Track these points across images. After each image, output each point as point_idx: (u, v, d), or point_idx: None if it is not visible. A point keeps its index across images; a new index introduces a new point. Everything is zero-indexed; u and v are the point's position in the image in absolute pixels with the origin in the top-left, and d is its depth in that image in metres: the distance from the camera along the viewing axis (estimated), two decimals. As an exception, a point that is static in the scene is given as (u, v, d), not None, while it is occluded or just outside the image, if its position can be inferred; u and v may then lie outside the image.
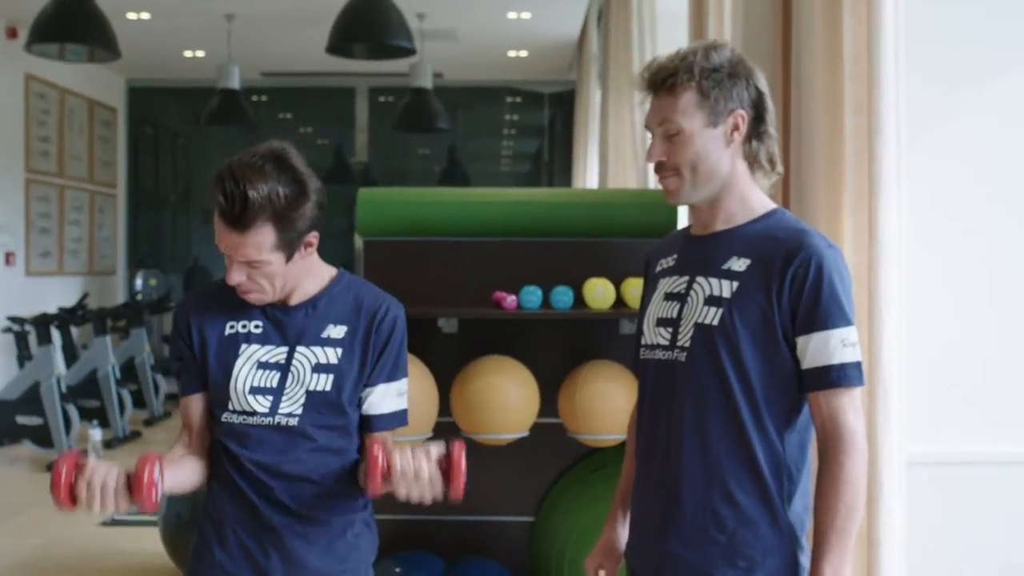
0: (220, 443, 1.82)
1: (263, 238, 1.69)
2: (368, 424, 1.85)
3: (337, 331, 1.82)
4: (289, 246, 1.73)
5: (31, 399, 6.61)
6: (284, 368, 1.80)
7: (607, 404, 2.88)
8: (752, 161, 1.74)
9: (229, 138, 9.86)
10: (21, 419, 6.64)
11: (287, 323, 1.82)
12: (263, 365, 1.80)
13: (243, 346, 1.81)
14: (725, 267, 1.70)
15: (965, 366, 2.44)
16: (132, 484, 1.63)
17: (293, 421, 1.78)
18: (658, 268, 1.86)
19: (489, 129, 11.82)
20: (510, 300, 2.99)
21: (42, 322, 7.13)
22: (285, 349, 1.80)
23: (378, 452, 1.65)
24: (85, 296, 8.47)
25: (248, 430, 1.79)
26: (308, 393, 1.78)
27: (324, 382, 1.79)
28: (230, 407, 1.79)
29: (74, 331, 8.21)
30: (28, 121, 8.50)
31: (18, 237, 8.39)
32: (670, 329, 1.74)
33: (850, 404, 1.63)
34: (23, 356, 7.39)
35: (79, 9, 5.92)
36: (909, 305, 2.17)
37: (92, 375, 7.32)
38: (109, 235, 10.21)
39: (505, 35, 8.66)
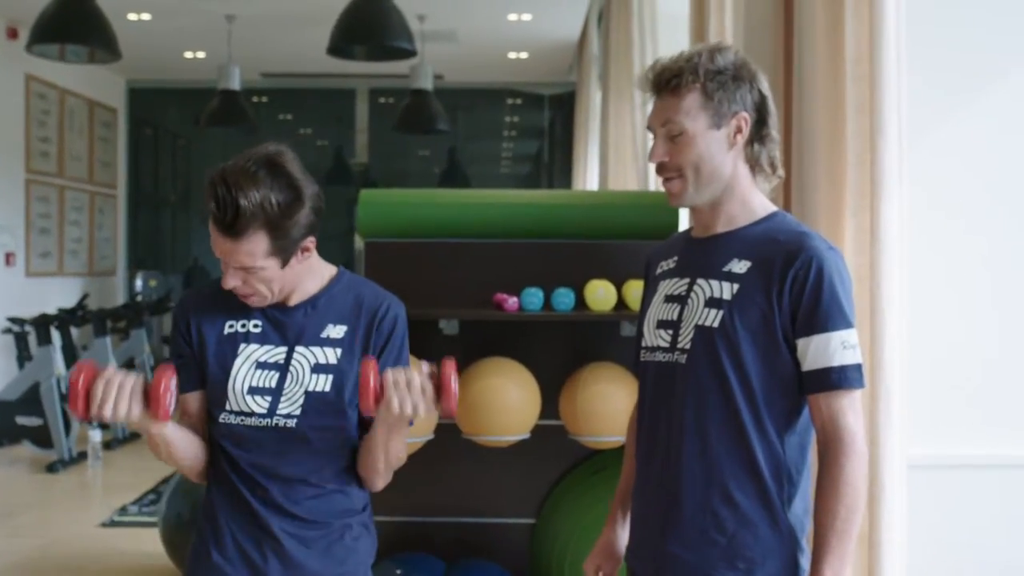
0: (218, 445, 1.81)
1: (256, 245, 1.67)
2: (368, 425, 1.84)
3: (337, 331, 1.80)
4: (284, 252, 1.71)
5: (31, 400, 6.61)
6: (283, 368, 1.78)
7: (608, 406, 2.88)
8: (754, 164, 1.74)
9: (229, 139, 9.86)
10: (21, 420, 6.64)
11: (286, 323, 1.80)
12: (262, 365, 1.78)
13: (242, 345, 1.80)
14: (726, 269, 1.71)
15: (966, 368, 2.44)
16: (148, 394, 1.64)
17: (291, 423, 1.77)
18: (658, 270, 1.86)
19: (489, 130, 11.82)
20: (511, 302, 2.99)
21: (42, 323, 7.13)
22: (284, 349, 1.79)
23: (370, 370, 1.64)
24: (85, 297, 8.47)
25: (246, 431, 1.78)
26: (307, 394, 1.77)
27: (323, 383, 1.77)
28: (227, 407, 1.78)
29: (74, 332, 8.21)
30: (28, 121, 8.51)
31: (18, 237, 8.39)
32: (670, 331, 1.74)
33: (850, 406, 1.63)
34: (23, 357, 7.39)
35: (80, 10, 5.92)
36: (910, 307, 2.17)
37: (92, 376, 7.30)
38: (109, 236, 10.21)
39: (505, 37, 8.66)
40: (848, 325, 1.63)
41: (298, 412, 1.77)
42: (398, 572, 2.96)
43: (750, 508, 1.67)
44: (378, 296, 1.85)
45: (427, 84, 8.28)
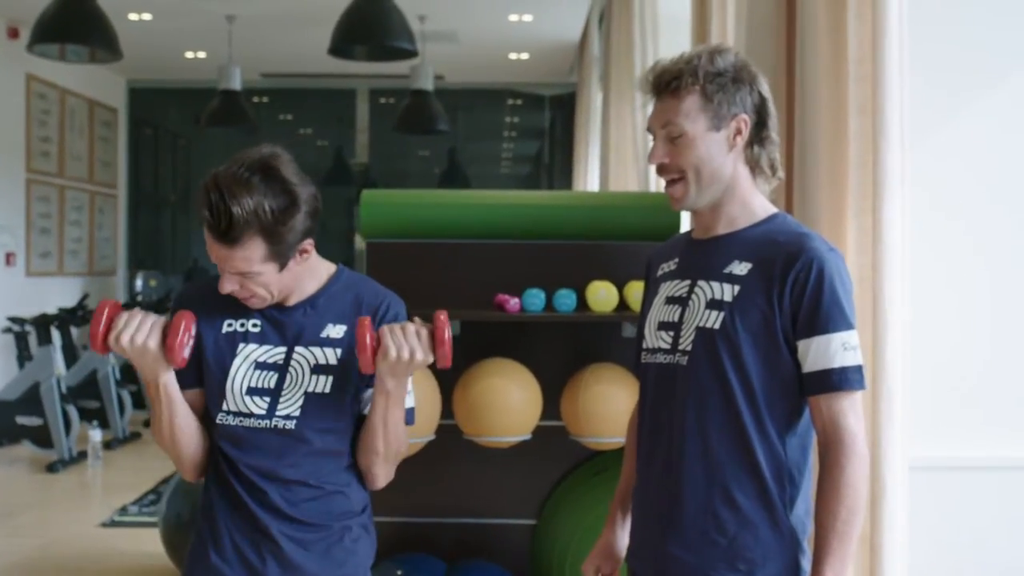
0: (216, 446, 1.80)
1: (252, 252, 1.66)
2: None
3: (337, 331, 1.79)
4: (281, 257, 1.70)
5: (31, 400, 6.61)
6: (282, 369, 1.77)
7: (609, 407, 2.87)
8: (754, 166, 1.75)
9: (229, 139, 9.86)
10: (21, 419, 6.64)
11: (285, 323, 1.79)
12: (260, 365, 1.77)
13: (240, 345, 1.78)
14: (726, 271, 1.71)
15: (966, 369, 2.44)
16: (167, 334, 1.67)
17: (291, 424, 1.76)
18: (659, 272, 1.86)
19: (490, 131, 11.82)
20: (513, 303, 2.99)
21: (42, 322, 7.13)
22: (283, 349, 1.78)
23: (366, 327, 1.66)
24: (85, 297, 8.47)
25: (244, 433, 1.77)
26: (306, 395, 1.76)
27: (323, 384, 1.76)
28: (225, 407, 1.77)
29: (74, 332, 8.21)
30: (29, 121, 8.51)
31: (18, 237, 8.39)
32: (671, 333, 1.74)
33: (851, 407, 1.64)
34: (23, 356, 7.39)
35: (80, 10, 5.92)
36: (911, 308, 2.17)
37: (92, 376, 7.32)
38: (109, 236, 10.21)
39: (506, 37, 8.66)
40: (849, 326, 1.63)
41: (297, 413, 1.76)
42: (399, 573, 2.96)
43: (751, 509, 1.67)
44: (378, 295, 1.84)
45: (427, 84, 8.28)
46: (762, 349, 1.66)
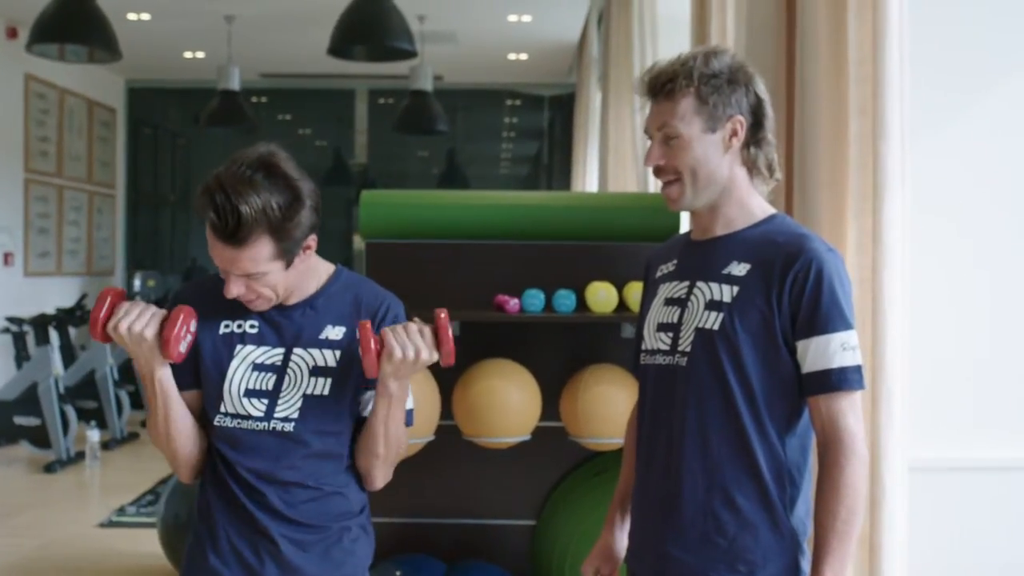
0: (214, 448, 1.79)
1: (260, 251, 1.65)
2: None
3: (336, 332, 1.78)
4: (288, 254, 1.69)
5: (29, 400, 6.60)
6: (280, 370, 1.76)
7: (609, 408, 2.87)
8: (751, 167, 1.75)
9: (228, 139, 9.87)
10: (19, 419, 6.63)
11: (284, 323, 1.78)
12: (258, 367, 1.76)
13: (238, 346, 1.77)
14: (725, 272, 1.71)
15: (966, 371, 2.44)
16: (165, 326, 1.67)
17: (289, 426, 1.75)
18: (658, 273, 1.86)
19: (489, 132, 11.82)
20: (513, 303, 2.99)
21: (40, 322, 7.13)
22: (281, 351, 1.77)
23: (368, 330, 1.67)
24: (84, 297, 8.46)
25: (242, 435, 1.75)
26: (305, 397, 1.75)
27: (322, 386, 1.75)
28: (223, 409, 1.76)
29: (72, 332, 8.21)
30: (27, 121, 8.50)
31: (17, 237, 8.39)
32: (671, 334, 1.74)
33: (850, 408, 1.63)
34: (21, 356, 7.38)
35: (79, 10, 5.92)
36: (910, 309, 2.17)
37: (90, 376, 7.31)
38: (108, 236, 10.21)
39: (505, 38, 8.66)
40: (848, 327, 1.63)
41: (296, 415, 1.75)
42: (398, 574, 2.96)
43: (751, 511, 1.67)
44: (377, 296, 1.83)
45: (427, 85, 8.29)
46: (761, 350, 1.66)
